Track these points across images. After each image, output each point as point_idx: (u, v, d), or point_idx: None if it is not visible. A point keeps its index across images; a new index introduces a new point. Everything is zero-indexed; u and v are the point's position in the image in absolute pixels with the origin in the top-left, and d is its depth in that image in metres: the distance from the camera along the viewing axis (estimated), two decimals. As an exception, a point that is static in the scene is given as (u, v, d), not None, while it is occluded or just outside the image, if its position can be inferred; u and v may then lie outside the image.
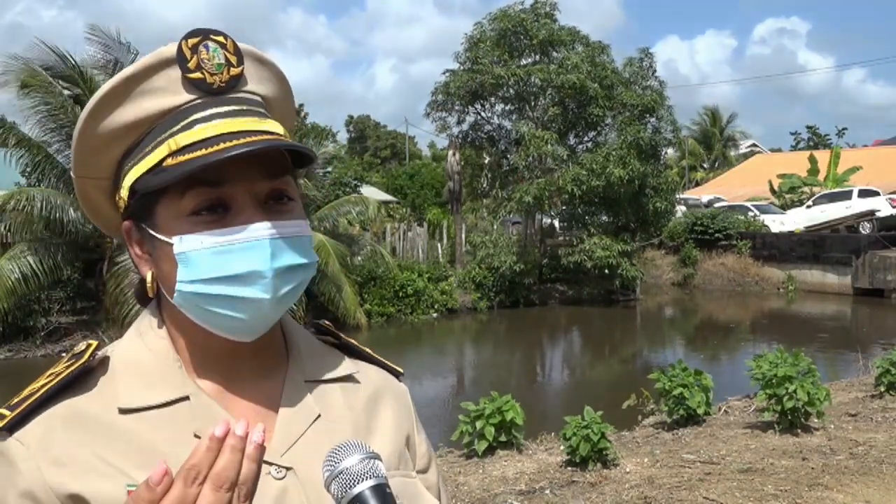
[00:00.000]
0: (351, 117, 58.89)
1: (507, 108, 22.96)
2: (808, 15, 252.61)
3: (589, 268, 20.66)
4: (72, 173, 0.86)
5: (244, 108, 0.81)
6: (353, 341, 0.97)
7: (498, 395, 6.29)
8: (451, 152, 22.83)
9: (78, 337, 14.69)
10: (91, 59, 15.10)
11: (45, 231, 14.25)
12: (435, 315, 19.16)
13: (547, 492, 5.10)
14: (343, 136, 55.07)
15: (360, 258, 18.29)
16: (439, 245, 23.70)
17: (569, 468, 5.56)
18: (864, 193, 24.99)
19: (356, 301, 15.98)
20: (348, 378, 0.91)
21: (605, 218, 22.34)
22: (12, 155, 14.63)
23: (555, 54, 21.94)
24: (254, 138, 0.77)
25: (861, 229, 23.98)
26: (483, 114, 23.23)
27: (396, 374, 0.99)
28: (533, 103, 22.06)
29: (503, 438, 6.20)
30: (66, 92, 13.69)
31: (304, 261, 0.81)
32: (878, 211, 24.07)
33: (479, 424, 6.12)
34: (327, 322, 0.99)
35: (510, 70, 21.06)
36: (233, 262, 0.77)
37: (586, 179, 19.99)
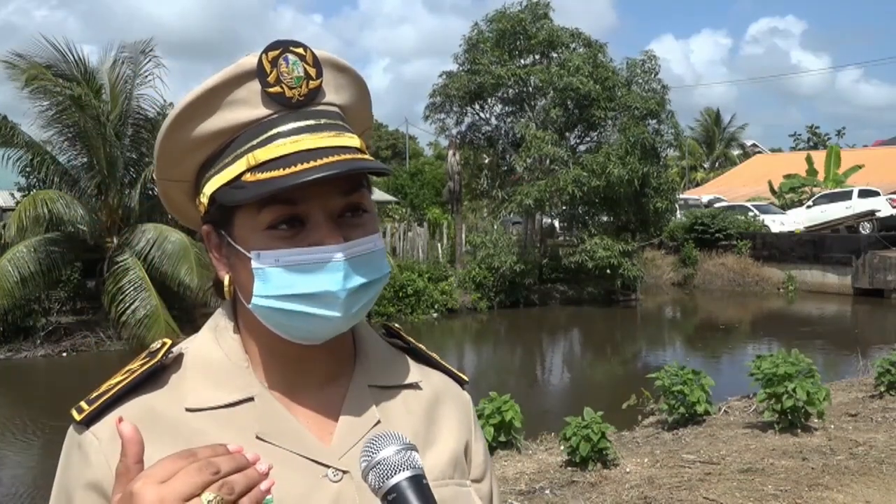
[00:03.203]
0: (352, 116, 58.71)
1: (505, 108, 22.98)
2: (803, 14, 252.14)
3: (590, 268, 20.65)
4: (154, 175, 0.89)
5: (322, 121, 0.82)
6: (421, 346, 0.99)
7: (497, 395, 6.29)
8: (451, 152, 22.84)
9: (78, 337, 14.69)
10: (97, 58, 15.15)
11: (46, 231, 14.25)
12: (435, 315, 19.17)
13: (547, 492, 5.10)
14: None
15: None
16: (439, 245, 23.69)
17: (569, 468, 5.56)
18: (864, 193, 25.00)
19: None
20: (412, 385, 0.93)
21: (605, 218, 22.33)
22: (10, 158, 14.63)
23: (554, 55, 21.94)
24: (331, 159, 0.78)
25: (861, 229, 23.99)
26: (481, 114, 23.27)
27: (460, 382, 1.01)
28: (533, 104, 22.06)
29: (502, 439, 6.21)
30: (67, 91, 13.67)
31: (376, 277, 0.83)
32: (879, 211, 24.08)
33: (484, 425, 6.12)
34: (397, 325, 1.01)
35: (510, 70, 21.06)
36: (307, 282, 0.79)
37: (587, 180, 19.99)
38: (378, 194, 29.59)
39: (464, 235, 22.43)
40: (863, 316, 20.13)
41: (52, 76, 13.86)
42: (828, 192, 27.22)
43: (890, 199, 24.66)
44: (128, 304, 13.24)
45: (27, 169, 15.30)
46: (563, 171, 20.39)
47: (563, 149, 20.74)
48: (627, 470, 5.45)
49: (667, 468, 5.45)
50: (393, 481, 0.70)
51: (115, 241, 14.70)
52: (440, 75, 22.63)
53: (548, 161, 20.59)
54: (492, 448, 6.16)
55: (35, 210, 13.54)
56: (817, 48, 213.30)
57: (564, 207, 22.23)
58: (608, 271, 20.59)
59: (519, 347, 17.80)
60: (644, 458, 5.73)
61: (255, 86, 0.80)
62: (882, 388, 7.52)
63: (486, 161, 24.08)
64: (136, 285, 13.37)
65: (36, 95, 13.80)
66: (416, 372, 0.94)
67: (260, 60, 0.80)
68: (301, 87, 0.81)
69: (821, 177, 29.99)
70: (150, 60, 15.13)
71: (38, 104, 13.92)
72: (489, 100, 22.67)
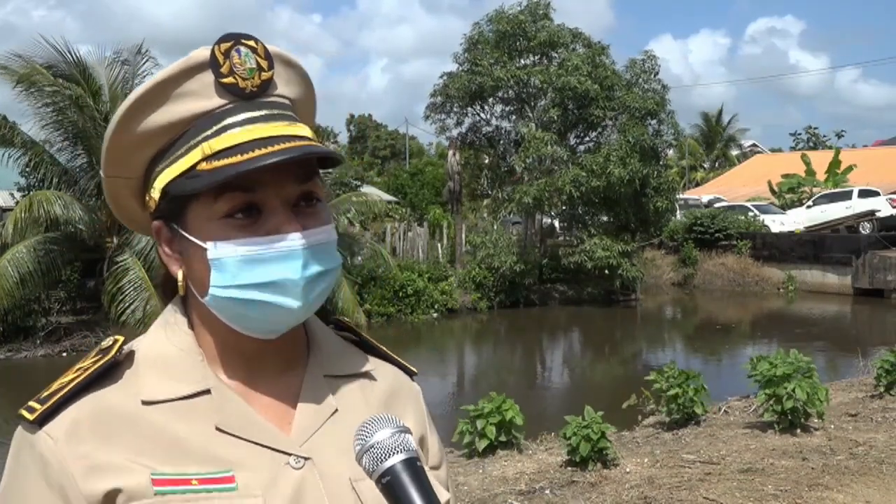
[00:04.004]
0: (352, 116, 58.66)
1: (506, 109, 22.99)
2: (802, 14, 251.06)
3: (589, 268, 20.66)
4: (101, 172, 0.88)
5: (275, 112, 0.83)
6: (370, 339, 1.00)
7: (497, 395, 6.30)
8: (451, 152, 22.85)
9: (78, 337, 14.69)
10: (95, 58, 15.14)
11: (46, 232, 14.24)
12: (435, 315, 19.16)
13: (547, 492, 5.10)
14: (343, 137, 54.99)
15: (359, 258, 18.29)
16: (439, 245, 23.69)
17: (569, 468, 5.56)
18: (864, 193, 25.01)
19: (355, 301, 15.96)
20: (366, 375, 0.94)
21: (605, 218, 22.33)
22: (10, 156, 14.63)
23: (554, 55, 21.94)
24: (286, 145, 0.79)
25: (861, 229, 23.99)
26: (482, 115, 23.27)
27: (410, 374, 1.01)
28: (533, 104, 22.06)
29: (503, 438, 6.21)
30: (66, 91, 13.67)
31: (331, 266, 0.84)
32: (878, 211, 24.09)
33: (479, 423, 6.13)
34: (346, 318, 1.01)
35: (510, 71, 21.05)
36: (266, 270, 0.79)
37: (585, 181, 19.99)
38: (379, 194, 29.59)
39: (464, 235, 22.43)
40: (863, 316, 20.14)
41: (52, 76, 13.86)
42: (828, 192, 27.23)
43: (890, 199, 24.67)
44: (128, 304, 13.23)
45: (27, 169, 15.30)
46: (562, 172, 20.40)
47: (563, 148, 20.74)
48: (627, 470, 5.45)
49: (667, 468, 5.45)
50: (387, 464, 0.70)
51: (114, 241, 14.69)
52: (441, 76, 22.69)
53: (548, 161, 20.58)
54: (492, 448, 6.16)
55: (32, 211, 13.54)
56: (816, 48, 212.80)
57: (564, 207, 22.23)
58: (607, 272, 20.60)
59: (519, 347, 17.80)
60: (644, 458, 5.73)
61: (207, 77, 0.80)
62: (882, 388, 7.51)
63: (487, 161, 24.09)
64: (135, 285, 13.35)
65: (34, 96, 13.79)
66: (368, 363, 0.95)
67: (213, 52, 0.80)
68: (254, 78, 0.81)
69: (820, 176, 30.00)
70: (146, 61, 15.18)
71: (35, 104, 13.91)
72: (489, 100, 22.68)
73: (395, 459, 0.70)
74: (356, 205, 17.69)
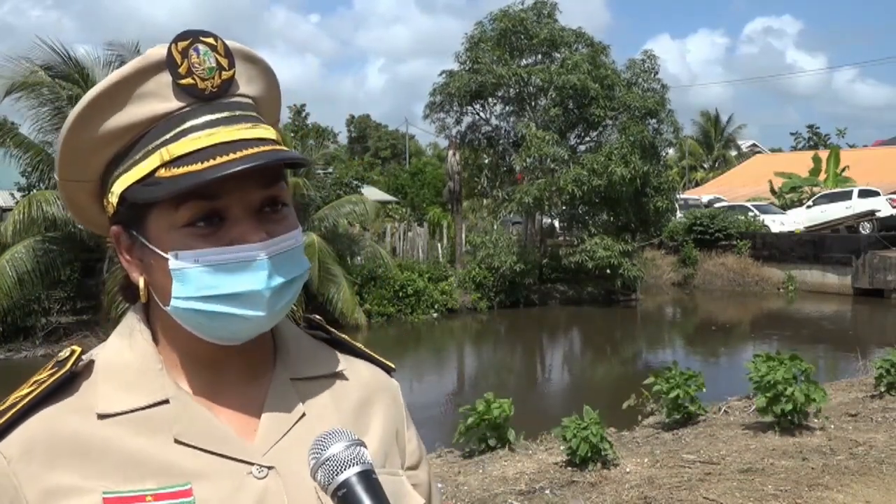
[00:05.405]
0: (352, 117, 58.76)
1: (506, 108, 22.99)
2: (800, 14, 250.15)
3: (590, 268, 20.66)
4: (55, 175, 0.84)
5: (237, 113, 0.79)
6: (344, 336, 0.96)
7: (493, 395, 6.30)
8: (451, 152, 22.83)
9: (78, 337, 14.69)
10: (93, 58, 15.14)
11: (45, 232, 14.24)
12: (435, 315, 19.16)
13: (547, 492, 5.10)
14: (343, 137, 55.02)
15: (359, 258, 18.30)
16: (439, 245, 23.69)
17: (569, 468, 5.55)
18: (864, 193, 25.03)
19: (355, 301, 15.97)
20: (337, 375, 0.90)
21: (605, 217, 22.34)
22: (12, 156, 14.64)
23: (556, 55, 21.94)
24: (249, 151, 0.75)
25: (861, 229, 24.00)
26: (482, 114, 23.26)
27: (388, 370, 0.97)
28: (533, 104, 22.05)
29: (496, 436, 6.21)
30: (66, 93, 13.67)
31: (298, 274, 0.81)
32: (879, 211, 24.10)
33: (472, 422, 6.13)
34: (318, 317, 0.97)
35: (511, 70, 21.05)
36: (230, 281, 0.76)
37: (587, 180, 19.99)
38: (378, 194, 29.61)
39: (464, 235, 22.42)
40: (863, 316, 20.14)
41: (51, 77, 13.86)
42: (828, 192, 27.25)
43: (890, 199, 24.68)
44: (128, 305, 13.22)
45: (27, 170, 15.31)
46: (564, 171, 20.40)
47: (563, 148, 20.74)
48: (627, 470, 5.45)
49: (667, 468, 5.44)
50: (342, 477, 0.69)
51: (114, 241, 14.70)
52: (440, 74, 22.68)
53: (549, 160, 20.58)
54: (490, 448, 6.16)
55: (30, 211, 13.54)
56: (814, 48, 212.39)
57: (564, 207, 22.23)
58: (608, 271, 20.59)
59: (519, 347, 17.80)
60: (644, 458, 5.73)
61: (164, 78, 0.77)
62: (882, 389, 7.51)
63: (487, 161, 24.08)
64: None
65: (32, 97, 13.80)
66: (340, 362, 0.91)
67: (169, 51, 0.76)
68: (214, 78, 0.78)
69: (822, 176, 30.04)
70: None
71: (33, 105, 13.92)
72: (489, 99, 22.67)
73: (350, 472, 0.69)
74: (352, 204, 17.71)
